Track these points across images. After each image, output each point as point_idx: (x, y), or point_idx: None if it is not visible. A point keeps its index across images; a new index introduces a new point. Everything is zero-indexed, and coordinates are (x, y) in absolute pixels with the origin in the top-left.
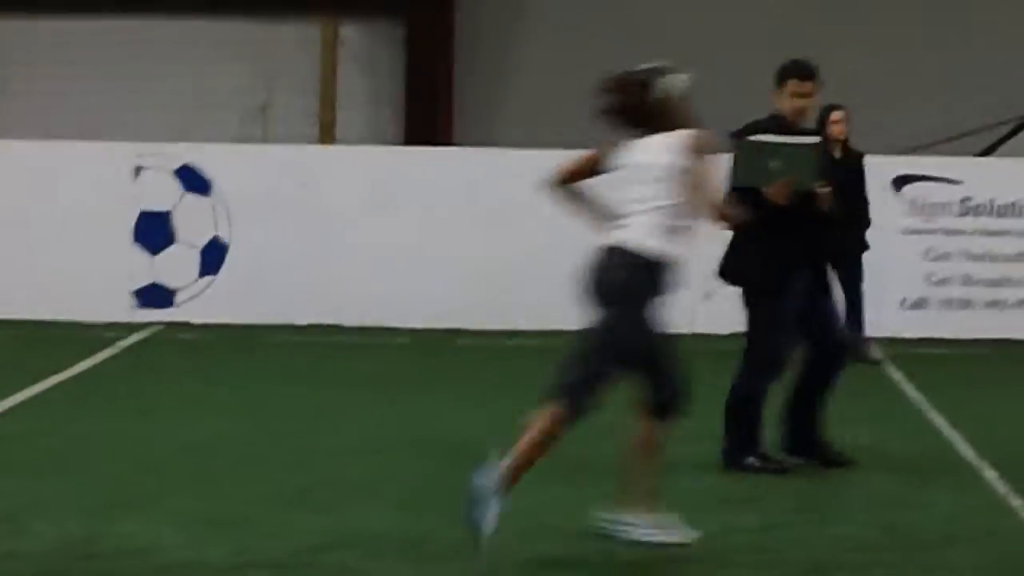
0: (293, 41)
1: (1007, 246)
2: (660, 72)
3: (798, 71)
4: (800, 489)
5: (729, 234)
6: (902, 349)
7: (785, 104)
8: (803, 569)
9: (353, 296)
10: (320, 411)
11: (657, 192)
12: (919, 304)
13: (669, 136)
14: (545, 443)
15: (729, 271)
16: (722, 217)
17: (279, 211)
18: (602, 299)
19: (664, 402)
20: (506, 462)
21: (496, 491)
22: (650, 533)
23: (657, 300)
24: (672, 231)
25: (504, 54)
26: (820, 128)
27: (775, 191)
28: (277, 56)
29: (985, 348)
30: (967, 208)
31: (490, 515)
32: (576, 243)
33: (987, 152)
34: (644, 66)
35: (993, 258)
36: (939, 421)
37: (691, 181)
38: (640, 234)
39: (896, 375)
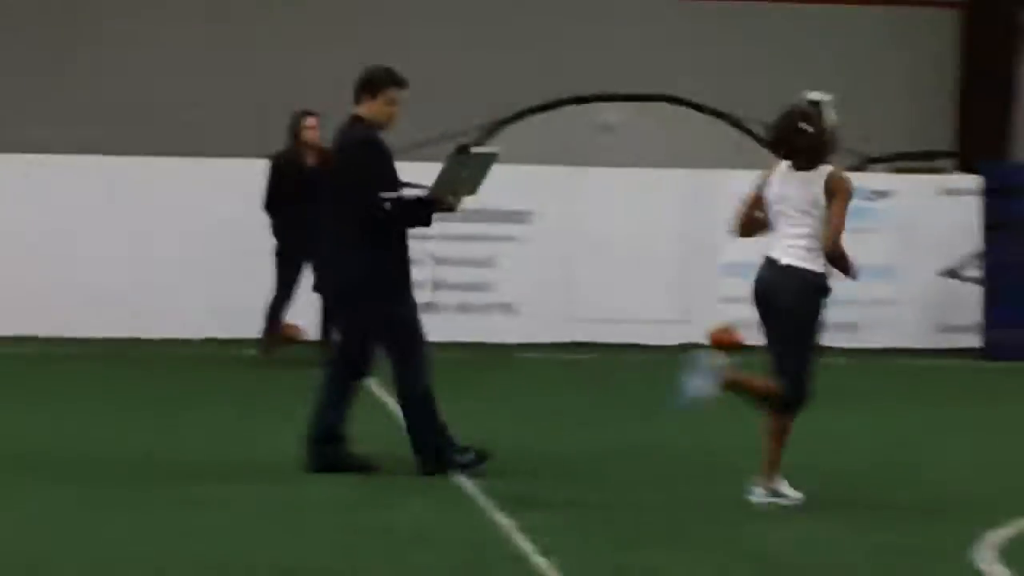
0: None
1: (477, 251)
2: (828, 105)
3: (397, 80)
4: (265, 493)
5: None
6: None
7: (379, 111)
8: (273, 572)
9: None
10: None
11: (804, 222)
12: None
13: (818, 173)
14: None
15: (347, 282)
16: (834, 255)
17: None
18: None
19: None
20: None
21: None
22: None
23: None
24: (816, 254)
25: None
26: (294, 135)
27: (452, 200)
28: None
29: (454, 351)
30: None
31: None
32: (42, 248)
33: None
34: (813, 96)
35: (463, 263)
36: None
37: (824, 217)
38: (798, 257)
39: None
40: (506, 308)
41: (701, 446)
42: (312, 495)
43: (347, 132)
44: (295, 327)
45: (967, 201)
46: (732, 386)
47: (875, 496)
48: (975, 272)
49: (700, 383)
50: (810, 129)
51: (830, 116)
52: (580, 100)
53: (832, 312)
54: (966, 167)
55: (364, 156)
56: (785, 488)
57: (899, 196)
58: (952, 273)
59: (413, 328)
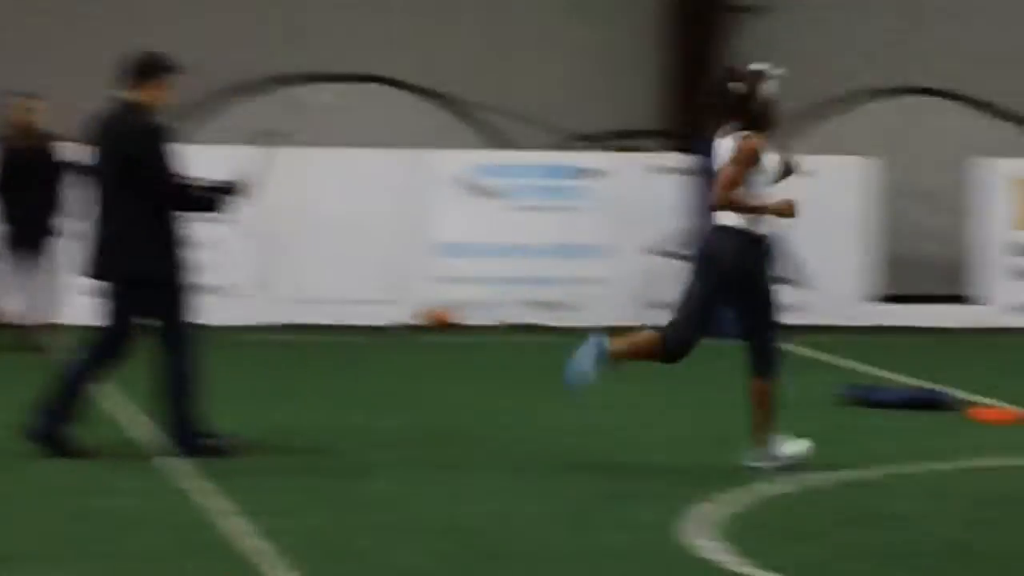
0: None
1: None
2: (768, 74)
3: (171, 65)
4: None
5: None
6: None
7: (155, 96)
8: None
9: None
10: None
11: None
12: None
13: (736, 138)
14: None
15: (132, 267)
16: (720, 208)
17: None
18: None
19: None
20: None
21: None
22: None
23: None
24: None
25: None
26: (13, 118)
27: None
28: None
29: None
30: None
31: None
32: None
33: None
34: (755, 65)
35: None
36: (117, 409)
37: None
38: (730, 218)
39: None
40: (223, 290)
41: (415, 425)
42: (30, 480)
43: (123, 118)
44: (10, 311)
45: (677, 180)
46: (618, 359)
47: (583, 472)
48: (683, 250)
49: (589, 366)
50: (737, 90)
51: (768, 87)
52: (290, 80)
53: (540, 291)
54: (680, 146)
55: (153, 143)
56: (785, 447)
57: (609, 175)
58: (658, 250)
59: (189, 313)
